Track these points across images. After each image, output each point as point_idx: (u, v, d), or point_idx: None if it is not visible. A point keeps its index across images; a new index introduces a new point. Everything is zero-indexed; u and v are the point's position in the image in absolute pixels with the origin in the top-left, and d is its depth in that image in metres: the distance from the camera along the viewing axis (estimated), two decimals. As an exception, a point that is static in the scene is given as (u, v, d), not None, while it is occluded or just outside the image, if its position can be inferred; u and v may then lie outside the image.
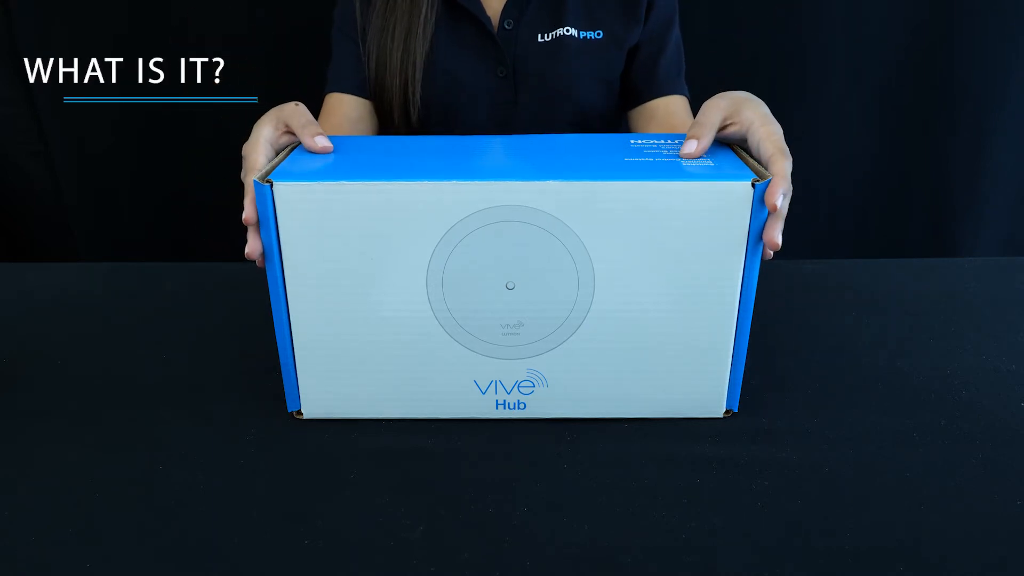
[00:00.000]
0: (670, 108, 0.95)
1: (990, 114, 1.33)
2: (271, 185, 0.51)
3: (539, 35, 0.91)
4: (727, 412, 0.59)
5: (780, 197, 0.51)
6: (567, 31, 0.91)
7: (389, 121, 0.94)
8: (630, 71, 0.96)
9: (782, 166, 0.54)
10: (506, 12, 0.91)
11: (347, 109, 0.94)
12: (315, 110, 1.00)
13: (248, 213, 0.53)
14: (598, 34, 0.92)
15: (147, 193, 1.43)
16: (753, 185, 0.51)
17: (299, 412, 0.59)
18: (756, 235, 0.53)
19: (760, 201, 0.52)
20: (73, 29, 1.30)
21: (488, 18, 0.91)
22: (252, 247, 0.54)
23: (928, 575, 0.44)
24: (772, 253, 0.55)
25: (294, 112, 0.61)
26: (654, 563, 0.46)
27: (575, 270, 0.54)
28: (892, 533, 0.47)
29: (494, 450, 0.56)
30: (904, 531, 0.47)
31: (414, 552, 0.46)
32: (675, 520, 0.49)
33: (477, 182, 0.51)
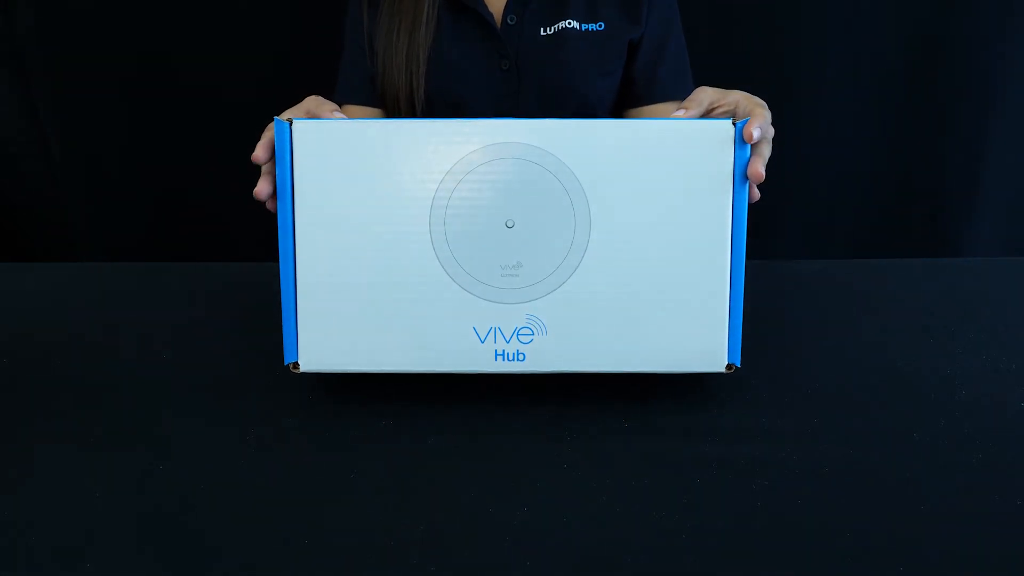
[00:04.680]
0: (667, 113, 0.96)
1: (990, 114, 1.33)
2: (291, 122, 0.56)
3: (542, 28, 0.92)
4: (729, 367, 0.58)
5: (757, 130, 0.56)
6: (569, 24, 0.92)
7: (395, 117, 0.95)
8: (631, 72, 0.96)
9: (759, 112, 0.59)
10: (509, 8, 0.92)
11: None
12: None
13: (258, 152, 0.58)
14: (600, 26, 0.93)
15: (147, 193, 1.43)
16: (733, 124, 0.56)
17: (295, 365, 0.59)
18: (741, 174, 0.56)
19: (741, 140, 0.56)
20: (73, 29, 1.30)
21: (491, 14, 0.92)
22: (261, 187, 0.58)
23: (928, 575, 0.44)
24: (759, 194, 0.59)
25: (319, 104, 0.65)
26: (654, 563, 0.46)
27: (571, 208, 0.57)
28: (892, 533, 0.47)
29: (494, 450, 0.56)
30: (904, 531, 0.47)
31: (414, 552, 0.46)
32: (675, 520, 0.49)
33: (480, 121, 0.57)
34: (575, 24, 0.92)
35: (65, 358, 0.68)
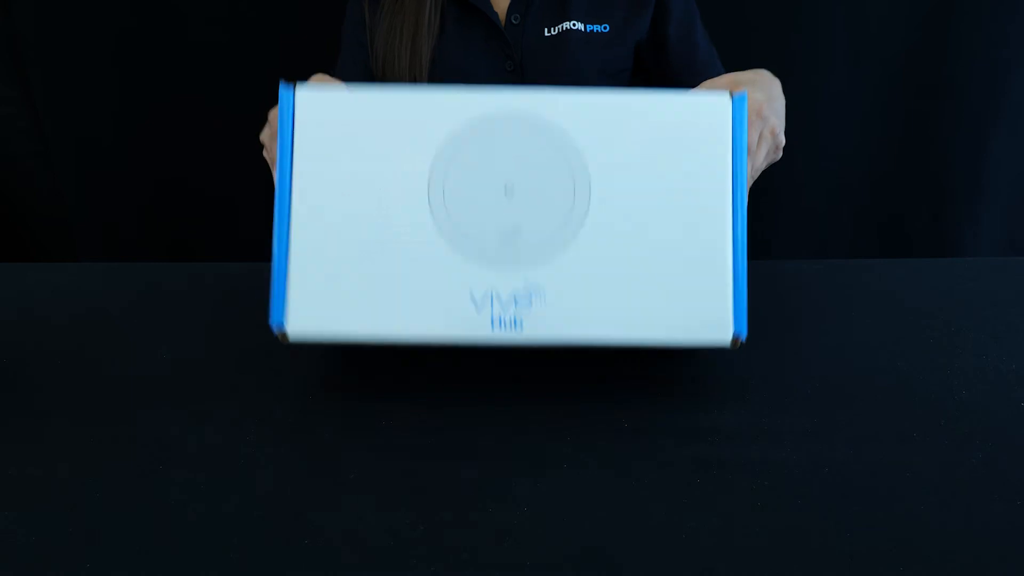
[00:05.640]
0: None
1: (990, 114, 1.33)
2: (294, 88, 0.58)
3: (545, 29, 0.92)
4: (735, 341, 0.57)
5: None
6: (573, 25, 0.92)
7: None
8: (670, 69, 0.96)
9: (755, 122, 0.62)
10: (513, 7, 0.92)
11: None
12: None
13: (264, 137, 0.65)
14: (604, 28, 0.92)
15: (147, 193, 1.43)
16: (731, 96, 0.57)
17: (284, 336, 0.57)
18: (740, 147, 0.57)
19: (740, 114, 0.57)
20: (73, 28, 1.30)
21: (495, 13, 0.92)
22: (266, 133, 0.65)
23: (928, 575, 0.44)
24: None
25: (325, 80, 0.69)
26: (654, 563, 0.46)
27: (571, 175, 0.57)
28: (892, 533, 0.47)
29: (494, 449, 0.56)
30: (904, 531, 0.47)
31: (414, 552, 0.46)
32: (675, 520, 0.49)
33: (480, 88, 0.58)
34: (579, 25, 0.92)
35: (65, 358, 0.68)
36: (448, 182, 0.57)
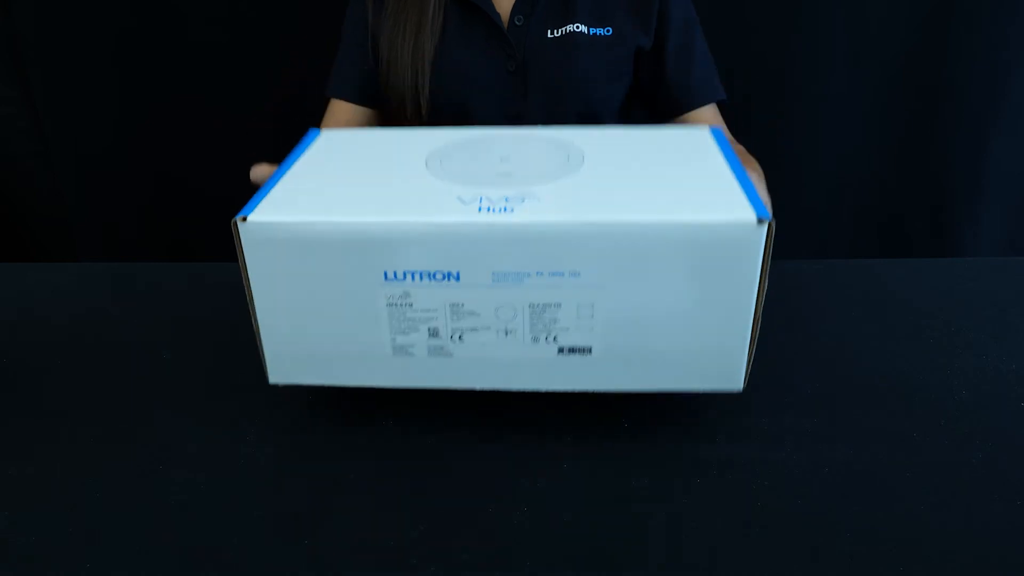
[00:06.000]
0: (701, 119, 0.97)
1: (990, 114, 1.33)
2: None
3: (549, 31, 0.92)
4: (762, 221, 0.47)
5: None
6: (577, 27, 0.91)
7: (401, 118, 0.95)
8: (665, 82, 0.96)
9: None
10: (516, 8, 0.92)
11: (348, 118, 0.98)
12: (316, 104, 1.01)
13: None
14: (608, 31, 0.92)
15: (147, 193, 1.43)
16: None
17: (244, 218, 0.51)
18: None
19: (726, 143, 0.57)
20: (73, 28, 1.30)
21: (498, 14, 0.92)
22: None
23: (928, 575, 0.44)
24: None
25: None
26: (654, 563, 0.46)
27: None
28: (892, 533, 0.47)
29: (494, 450, 0.56)
30: (904, 531, 0.47)
31: (414, 552, 0.46)
32: (675, 520, 0.49)
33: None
34: (583, 28, 0.91)
35: (65, 358, 0.68)
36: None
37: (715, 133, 0.61)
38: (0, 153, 1.38)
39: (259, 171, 0.63)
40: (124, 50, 1.31)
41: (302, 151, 0.60)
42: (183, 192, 1.42)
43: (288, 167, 0.57)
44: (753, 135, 1.02)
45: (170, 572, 0.45)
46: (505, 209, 0.48)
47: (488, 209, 0.48)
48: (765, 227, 0.47)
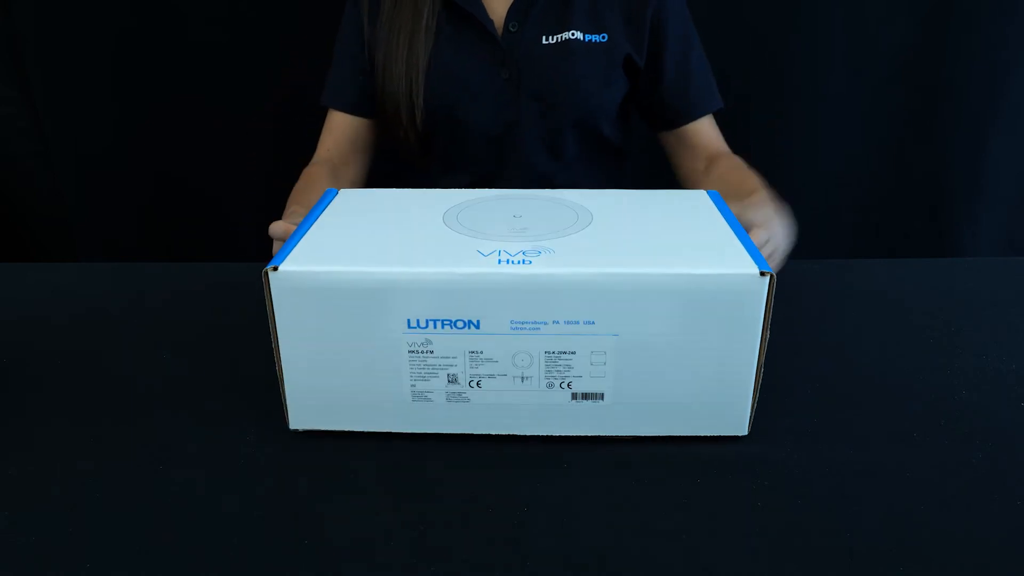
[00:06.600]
0: (700, 131, 0.97)
1: (989, 114, 1.33)
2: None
3: (544, 37, 0.91)
4: (764, 274, 0.51)
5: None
6: (573, 34, 0.91)
7: (396, 126, 0.94)
8: (662, 95, 0.96)
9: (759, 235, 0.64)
10: (511, 14, 0.91)
11: (345, 128, 0.97)
12: (315, 104, 1.01)
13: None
14: (603, 37, 0.92)
15: (147, 193, 1.43)
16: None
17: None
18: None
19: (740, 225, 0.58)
20: (73, 28, 1.30)
21: (491, 21, 0.91)
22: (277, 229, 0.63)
23: (928, 575, 0.44)
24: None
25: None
26: (654, 564, 0.46)
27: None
28: (892, 533, 0.47)
29: (494, 451, 0.56)
30: (904, 531, 0.48)
31: (414, 552, 0.46)
32: (675, 521, 0.49)
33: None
34: (579, 35, 0.91)
35: (65, 358, 0.68)
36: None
37: (713, 196, 0.65)
38: (0, 153, 1.38)
39: (277, 228, 0.63)
40: (124, 50, 1.31)
41: (322, 208, 0.62)
42: (183, 192, 1.42)
43: (311, 223, 0.59)
44: (753, 135, 1.02)
45: (170, 572, 0.45)
46: (523, 261, 0.52)
47: (507, 261, 0.52)
48: (767, 280, 0.50)
